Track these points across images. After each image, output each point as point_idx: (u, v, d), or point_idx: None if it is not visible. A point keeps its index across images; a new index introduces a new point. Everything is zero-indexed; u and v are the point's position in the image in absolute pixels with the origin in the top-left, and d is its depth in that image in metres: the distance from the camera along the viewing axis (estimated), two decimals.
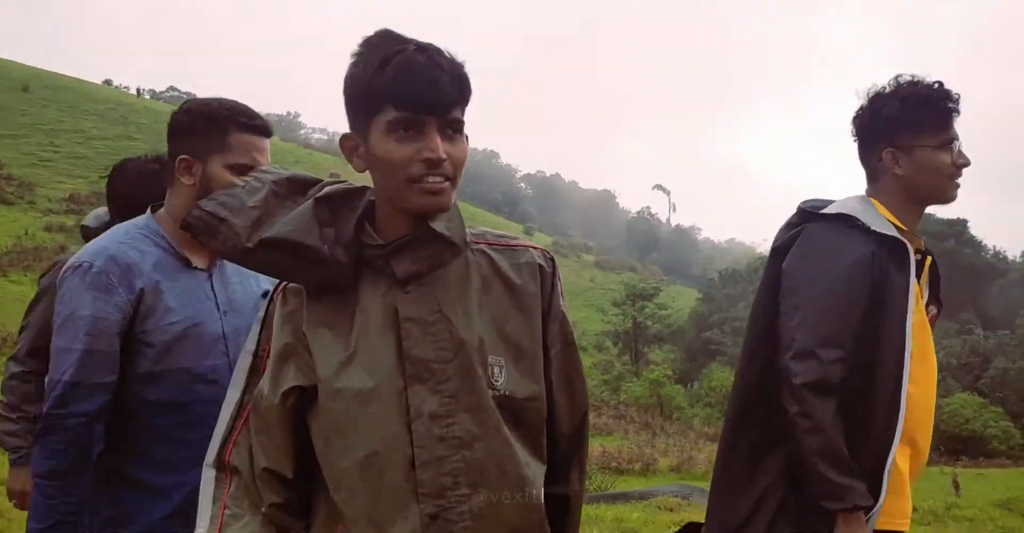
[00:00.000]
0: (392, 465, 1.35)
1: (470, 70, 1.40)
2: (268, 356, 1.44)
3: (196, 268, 2.03)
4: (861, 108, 2.22)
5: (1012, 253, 74.24)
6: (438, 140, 1.34)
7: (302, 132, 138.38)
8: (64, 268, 1.94)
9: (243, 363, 1.48)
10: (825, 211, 2.12)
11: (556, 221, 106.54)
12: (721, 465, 2.20)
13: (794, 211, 2.26)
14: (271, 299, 1.48)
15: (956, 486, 12.88)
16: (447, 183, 1.36)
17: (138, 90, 71.49)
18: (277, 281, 1.49)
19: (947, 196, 2.17)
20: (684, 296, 56.32)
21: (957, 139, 2.15)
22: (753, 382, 2.13)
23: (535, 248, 1.56)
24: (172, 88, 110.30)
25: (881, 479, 1.96)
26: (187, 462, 1.90)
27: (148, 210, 2.08)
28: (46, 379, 1.90)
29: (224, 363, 1.99)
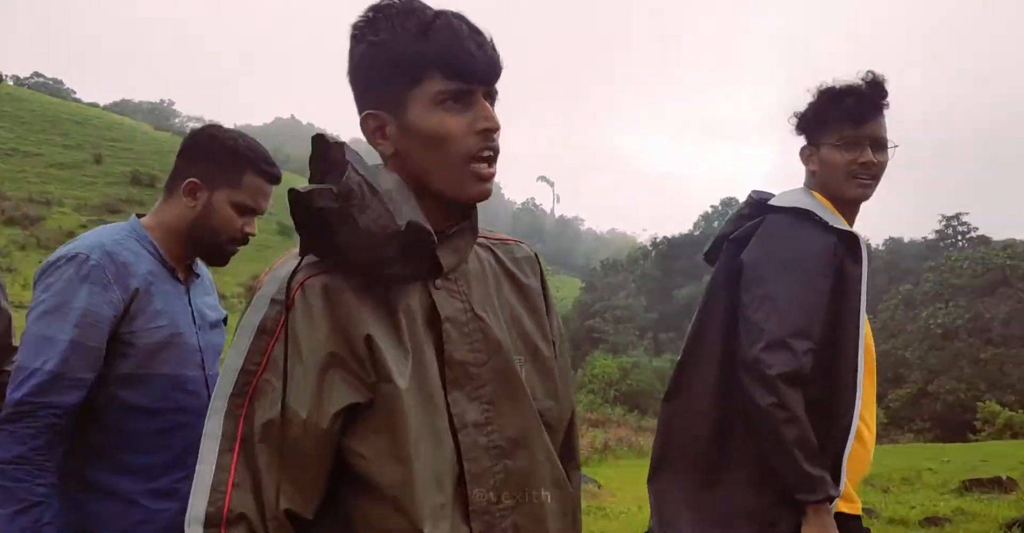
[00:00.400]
0: (450, 484, 1.20)
1: None
2: (264, 371, 1.14)
3: (178, 279, 2.03)
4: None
5: (875, 241, 78.56)
6: (490, 108, 1.22)
7: (176, 120, 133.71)
8: (56, 257, 1.89)
9: (226, 383, 1.16)
10: (783, 204, 2.12)
11: None
12: (668, 461, 2.16)
13: (744, 202, 2.26)
14: (273, 301, 1.17)
15: None
16: (495, 168, 1.23)
17: (0, 76, 67.53)
18: (280, 281, 1.19)
19: (847, 195, 2.14)
20: (568, 286, 57.25)
21: (873, 136, 2.12)
22: (709, 373, 2.08)
23: (522, 242, 1.45)
24: (37, 74, 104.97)
25: (840, 467, 1.96)
26: (157, 469, 1.90)
27: (133, 217, 2.06)
28: (15, 365, 1.82)
29: (200, 376, 1.99)
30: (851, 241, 2.05)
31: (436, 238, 1.18)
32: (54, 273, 1.86)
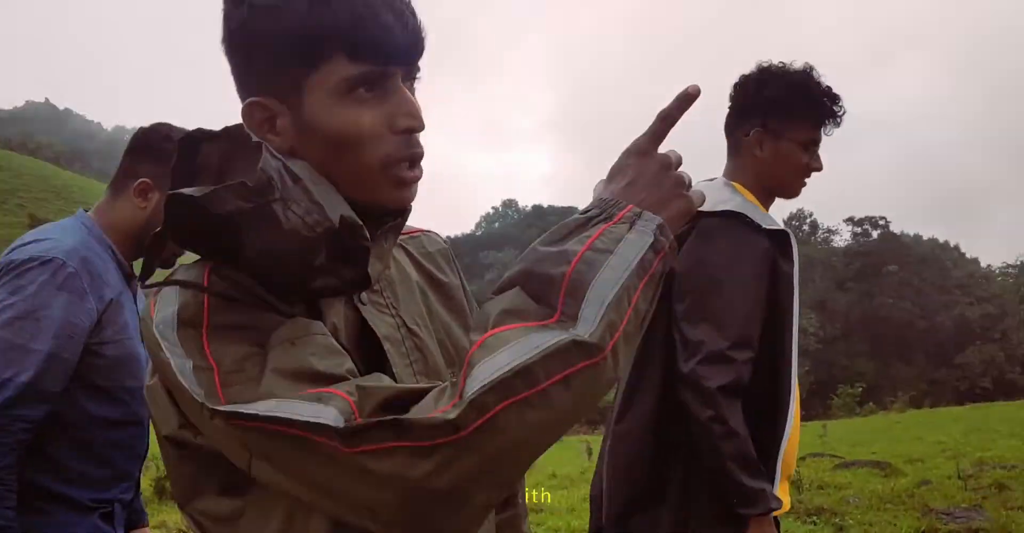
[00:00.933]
0: None
1: None
2: (219, 367, 0.83)
3: (129, 286, 1.94)
4: (747, 77, 2.13)
5: None
6: (414, 97, 0.95)
7: None
8: (24, 258, 1.73)
9: (192, 384, 0.82)
10: (712, 209, 2.00)
11: None
12: (618, 476, 2.06)
13: None
14: (183, 285, 0.88)
15: (589, 452, 14.22)
16: (419, 170, 0.98)
17: None
18: (182, 273, 0.90)
19: (791, 193, 2.13)
20: None
21: (819, 143, 2.11)
22: (651, 392, 2.00)
23: (430, 232, 1.22)
24: None
25: (776, 470, 1.93)
26: (106, 480, 1.86)
27: (81, 213, 1.94)
28: None
29: None
30: (783, 239, 2.01)
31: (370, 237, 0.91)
32: (25, 275, 1.72)
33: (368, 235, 0.90)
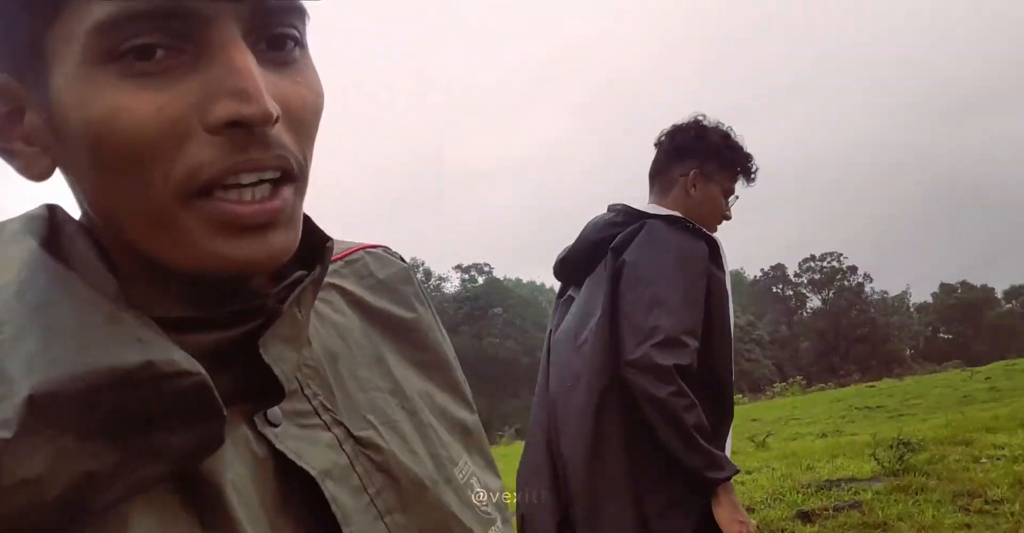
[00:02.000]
0: None
1: None
2: None
3: None
4: (685, 126, 2.30)
5: None
6: (249, 62, 0.47)
7: None
8: None
9: None
10: (658, 212, 2.19)
11: None
12: (586, 471, 2.05)
13: (612, 213, 2.27)
14: None
15: None
16: (288, 187, 0.50)
17: None
18: None
19: (708, 231, 2.27)
20: None
21: (733, 194, 2.31)
22: (607, 380, 2.03)
23: (377, 247, 0.76)
24: None
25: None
26: None
27: None
28: None
29: None
30: (715, 247, 2.16)
31: (203, 377, 0.46)
32: None
33: (181, 365, 0.46)
